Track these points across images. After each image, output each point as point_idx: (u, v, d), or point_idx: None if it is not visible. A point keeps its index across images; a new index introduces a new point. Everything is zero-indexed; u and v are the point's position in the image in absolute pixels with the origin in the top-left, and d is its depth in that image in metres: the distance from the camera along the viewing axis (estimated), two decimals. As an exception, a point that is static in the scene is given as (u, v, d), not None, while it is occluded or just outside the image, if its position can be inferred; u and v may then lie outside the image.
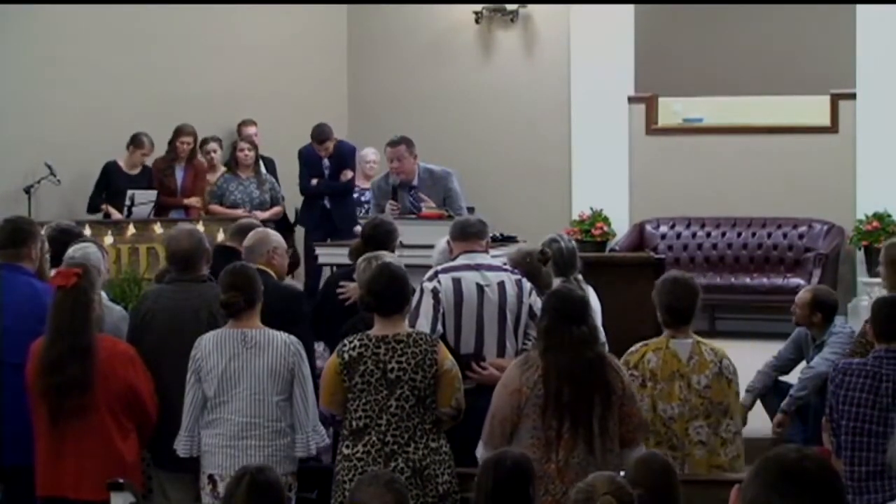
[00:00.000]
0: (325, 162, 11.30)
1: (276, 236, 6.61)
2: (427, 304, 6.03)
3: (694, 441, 5.60)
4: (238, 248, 6.69)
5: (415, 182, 9.06)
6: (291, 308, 6.23)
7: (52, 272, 5.82)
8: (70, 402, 5.46)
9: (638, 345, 5.77)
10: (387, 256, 6.28)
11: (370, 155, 11.83)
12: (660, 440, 5.58)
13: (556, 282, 6.42)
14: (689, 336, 5.71)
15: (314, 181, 11.29)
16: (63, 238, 6.49)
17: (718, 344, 5.96)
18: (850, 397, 5.32)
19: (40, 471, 5.59)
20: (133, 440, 5.68)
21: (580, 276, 6.85)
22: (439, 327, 6.00)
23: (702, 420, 5.60)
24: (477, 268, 6.18)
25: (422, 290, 6.06)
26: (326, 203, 11.32)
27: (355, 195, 11.63)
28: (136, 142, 10.85)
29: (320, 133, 11.23)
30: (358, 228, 10.84)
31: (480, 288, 6.11)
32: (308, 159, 11.34)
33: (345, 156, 11.38)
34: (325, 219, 11.22)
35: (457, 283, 6.11)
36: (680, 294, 5.68)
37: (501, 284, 6.14)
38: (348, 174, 11.31)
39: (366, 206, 11.55)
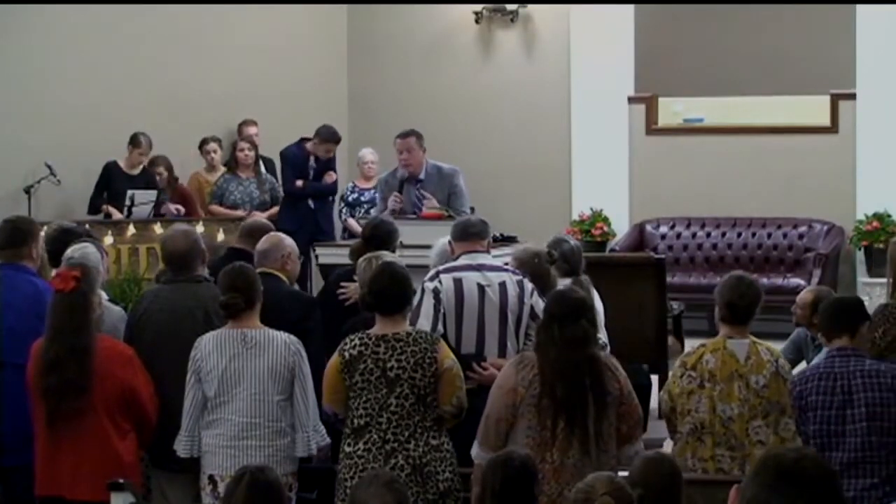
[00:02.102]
0: (311, 163, 11.32)
1: (289, 241, 6.61)
2: (428, 304, 6.03)
3: (754, 441, 5.63)
4: (248, 250, 6.67)
5: (421, 176, 9.08)
6: (306, 317, 6.26)
7: (53, 272, 5.83)
8: (68, 402, 5.45)
9: (695, 346, 5.83)
10: (388, 256, 6.28)
11: (368, 155, 11.85)
12: (718, 441, 5.61)
13: (565, 282, 6.42)
14: (745, 336, 5.74)
15: (299, 182, 11.29)
16: (64, 238, 6.48)
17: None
18: (811, 403, 5.39)
19: (38, 470, 5.58)
20: (131, 441, 5.67)
21: (587, 277, 6.84)
22: (440, 327, 6.01)
23: (761, 420, 5.64)
24: (478, 268, 6.18)
25: (423, 291, 6.06)
26: (311, 204, 11.33)
27: (354, 195, 11.65)
28: (134, 141, 10.86)
29: (333, 134, 11.20)
30: (353, 224, 10.94)
31: (482, 288, 6.11)
32: (294, 160, 11.33)
33: (329, 158, 11.42)
34: (310, 221, 11.21)
35: (458, 283, 6.11)
36: (743, 291, 5.72)
37: (503, 285, 6.13)
38: (332, 176, 11.35)
39: (366, 205, 11.57)
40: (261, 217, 10.81)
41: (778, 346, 8.00)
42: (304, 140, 11.37)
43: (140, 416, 5.69)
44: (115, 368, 5.59)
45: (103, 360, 5.53)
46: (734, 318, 5.74)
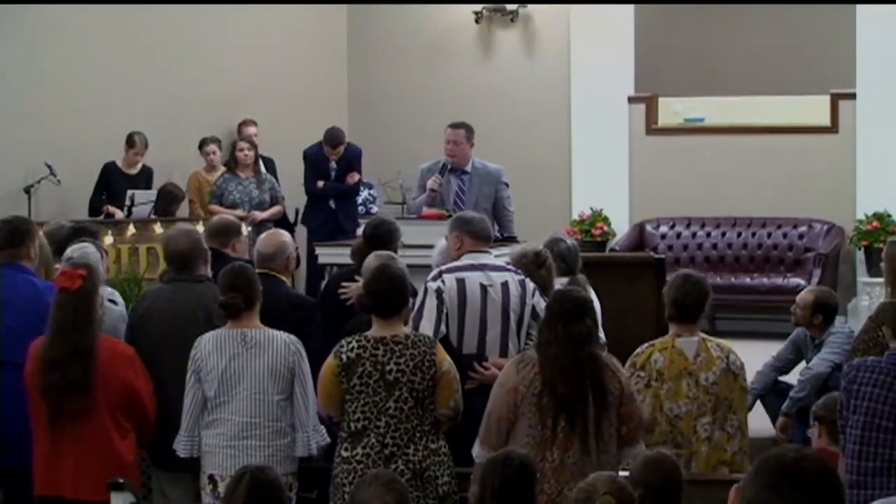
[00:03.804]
0: (332, 164, 11.28)
1: (290, 240, 6.65)
2: (431, 304, 6.02)
3: (701, 438, 5.63)
4: (218, 248, 6.64)
5: (468, 168, 9.12)
6: (308, 320, 6.30)
7: (57, 271, 5.82)
8: (70, 403, 5.45)
9: (644, 345, 5.82)
10: (391, 257, 6.27)
11: None
12: (664, 439, 5.60)
13: (562, 281, 6.43)
14: (694, 334, 5.74)
15: (320, 183, 11.26)
16: (73, 237, 6.49)
17: (718, 343, 5.97)
18: (862, 392, 5.32)
19: (38, 470, 5.58)
20: (132, 440, 5.67)
21: (583, 276, 6.84)
22: (442, 328, 6.00)
23: (709, 416, 5.63)
24: (481, 268, 6.18)
25: (425, 291, 6.06)
26: (332, 204, 11.30)
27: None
28: (129, 141, 10.90)
29: (334, 137, 11.18)
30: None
31: (484, 288, 6.11)
32: (315, 161, 11.29)
33: (352, 158, 11.37)
34: (331, 220, 11.19)
35: (461, 283, 6.10)
36: (689, 290, 5.74)
37: (505, 285, 6.13)
38: (355, 177, 11.31)
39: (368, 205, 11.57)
40: (260, 216, 10.90)
41: (778, 346, 8.05)
42: None
43: (141, 416, 5.70)
44: (118, 369, 5.59)
45: (105, 360, 5.53)
46: (681, 317, 5.75)
